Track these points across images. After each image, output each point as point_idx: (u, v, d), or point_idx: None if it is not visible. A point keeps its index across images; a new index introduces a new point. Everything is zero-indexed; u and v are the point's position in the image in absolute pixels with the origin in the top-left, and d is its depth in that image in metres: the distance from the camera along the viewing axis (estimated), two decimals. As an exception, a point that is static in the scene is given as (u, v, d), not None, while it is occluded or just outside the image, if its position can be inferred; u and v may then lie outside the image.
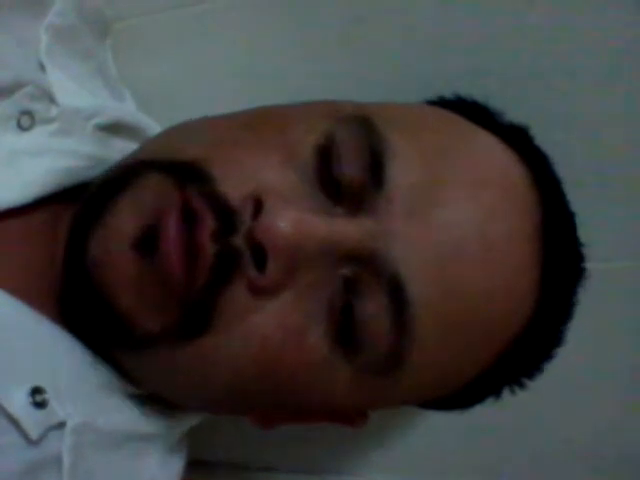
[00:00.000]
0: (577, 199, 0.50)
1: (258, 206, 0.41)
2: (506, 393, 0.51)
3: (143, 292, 0.42)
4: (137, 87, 0.61)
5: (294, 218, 0.41)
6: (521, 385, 0.51)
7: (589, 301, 0.51)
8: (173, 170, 0.44)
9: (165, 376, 0.46)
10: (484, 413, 0.57)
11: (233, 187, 0.42)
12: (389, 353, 0.43)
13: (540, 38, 0.56)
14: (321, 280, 0.43)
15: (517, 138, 0.49)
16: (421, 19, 0.57)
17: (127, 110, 0.58)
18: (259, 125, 0.46)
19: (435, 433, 0.65)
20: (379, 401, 0.48)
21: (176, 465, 0.53)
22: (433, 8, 0.57)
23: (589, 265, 0.51)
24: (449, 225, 0.43)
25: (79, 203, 0.47)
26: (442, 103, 0.52)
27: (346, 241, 0.42)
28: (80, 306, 0.46)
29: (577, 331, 0.51)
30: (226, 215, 0.42)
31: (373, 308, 0.42)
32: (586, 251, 0.51)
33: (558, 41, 0.55)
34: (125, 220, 0.43)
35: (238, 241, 0.41)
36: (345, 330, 0.43)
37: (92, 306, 0.44)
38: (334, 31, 0.60)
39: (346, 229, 0.42)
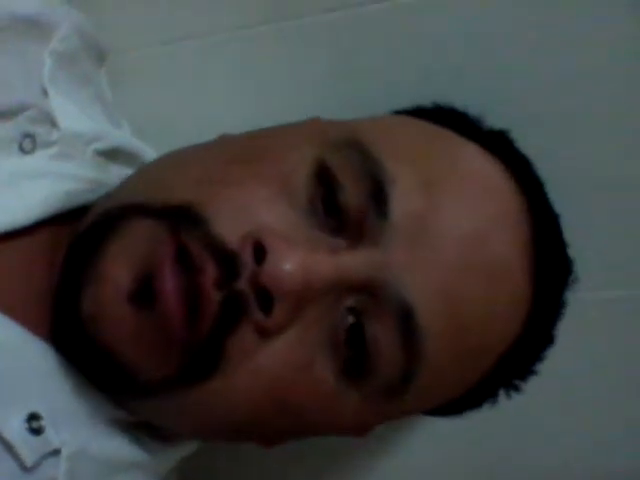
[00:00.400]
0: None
1: (259, 248, 0.41)
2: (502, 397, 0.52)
3: (143, 344, 0.41)
4: (132, 118, 0.61)
5: (300, 261, 0.40)
6: (516, 388, 0.52)
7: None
8: (165, 215, 0.42)
9: (172, 418, 0.46)
10: (479, 420, 0.58)
11: (228, 228, 0.42)
12: (398, 379, 0.43)
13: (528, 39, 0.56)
14: (325, 312, 0.43)
15: (499, 144, 0.50)
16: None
17: (125, 136, 0.58)
18: (248, 157, 0.45)
19: (433, 442, 0.65)
20: (384, 419, 0.49)
21: None
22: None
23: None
24: (447, 251, 0.43)
25: (71, 238, 0.46)
26: (421, 113, 0.52)
27: (352, 274, 0.42)
28: (76, 352, 0.45)
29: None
30: (226, 259, 0.41)
31: (383, 335, 0.42)
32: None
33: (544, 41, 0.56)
34: (118, 270, 0.42)
35: (242, 285, 0.41)
36: (351, 360, 0.43)
37: (90, 356, 0.43)
38: (325, 63, 0.61)
39: (352, 263, 0.42)
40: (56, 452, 0.43)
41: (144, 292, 0.41)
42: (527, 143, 0.52)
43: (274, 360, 0.42)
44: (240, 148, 0.47)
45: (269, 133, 0.48)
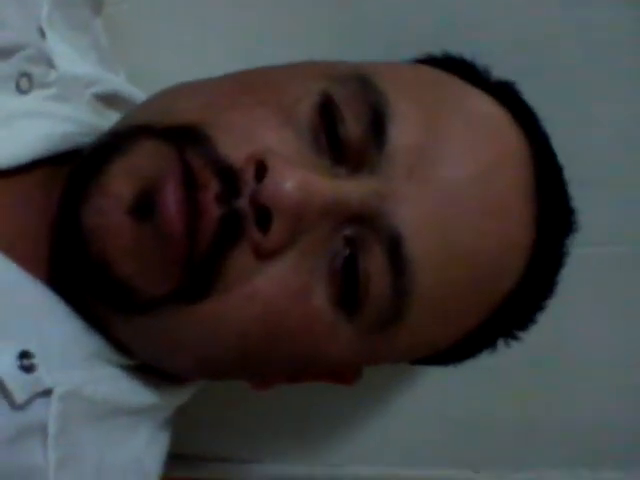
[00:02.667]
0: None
1: (261, 168, 0.41)
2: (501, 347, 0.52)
3: (143, 257, 0.42)
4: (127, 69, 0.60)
5: (300, 179, 0.41)
6: (515, 338, 0.52)
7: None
8: (170, 135, 0.43)
9: (165, 342, 0.45)
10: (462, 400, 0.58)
11: (233, 149, 0.42)
12: (388, 310, 0.43)
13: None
14: (323, 240, 0.43)
15: (506, 94, 0.50)
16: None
17: (123, 83, 0.57)
18: (255, 86, 0.46)
19: (416, 422, 0.66)
20: (377, 357, 0.49)
21: (162, 444, 0.52)
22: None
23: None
24: (448, 184, 0.43)
25: (72, 166, 0.46)
26: (431, 61, 0.52)
27: (350, 201, 0.42)
28: (75, 272, 0.45)
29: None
30: (229, 178, 0.41)
31: (374, 266, 0.43)
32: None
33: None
34: (121, 185, 0.42)
35: (242, 204, 0.41)
36: (347, 290, 0.43)
37: (89, 272, 0.43)
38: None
39: (350, 189, 0.42)
40: (48, 393, 0.43)
41: (145, 205, 0.41)
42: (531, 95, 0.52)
43: (270, 283, 0.42)
44: (248, 78, 0.47)
45: (277, 67, 0.49)
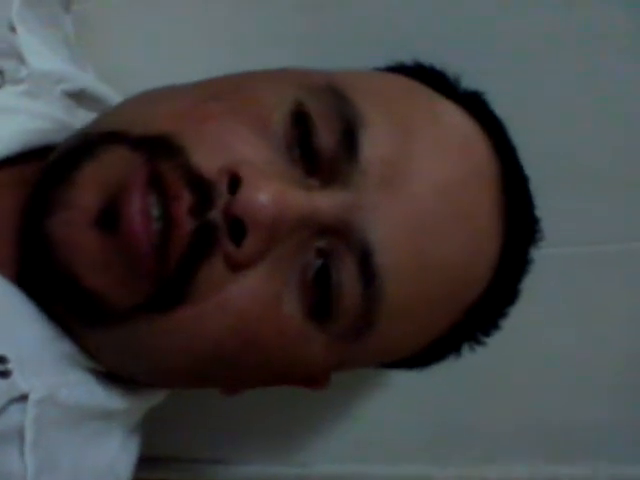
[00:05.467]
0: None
1: (235, 179, 0.41)
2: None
3: (111, 270, 0.41)
4: (102, 66, 0.59)
5: (274, 192, 0.40)
6: (479, 342, 0.53)
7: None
8: (142, 144, 0.42)
9: (134, 352, 0.44)
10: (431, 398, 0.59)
11: (206, 159, 0.41)
12: (359, 319, 0.44)
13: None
14: (295, 251, 0.43)
15: (475, 105, 0.50)
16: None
17: (93, 81, 0.56)
18: (228, 95, 0.45)
19: (385, 420, 0.67)
20: (347, 364, 0.49)
21: (135, 447, 0.51)
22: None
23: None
24: (418, 196, 0.44)
25: (42, 167, 0.45)
26: (402, 70, 0.52)
27: (323, 214, 0.42)
28: (42, 280, 0.44)
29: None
30: (202, 189, 0.40)
31: (346, 277, 0.43)
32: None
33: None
34: (87, 195, 0.41)
35: (215, 215, 0.40)
36: (319, 300, 0.43)
37: (55, 282, 0.42)
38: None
39: (323, 202, 0.42)
40: (23, 398, 0.42)
41: (110, 217, 0.40)
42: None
43: (242, 294, 0.42)
44: (221, 86, 0.47)
45: (250, 74, 0.48)
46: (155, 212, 0.40)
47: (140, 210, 0.40)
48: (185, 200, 0.40)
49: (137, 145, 0.42)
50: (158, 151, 0.42)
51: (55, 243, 0.41)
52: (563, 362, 0.62)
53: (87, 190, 0.41)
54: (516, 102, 0.54)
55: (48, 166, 0.44)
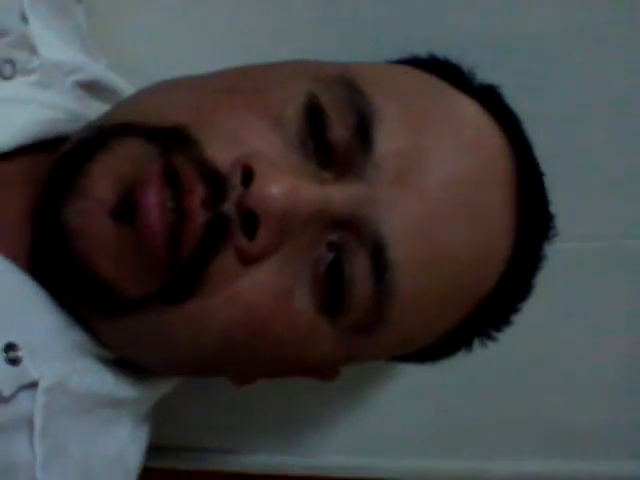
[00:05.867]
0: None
1: (248, 172, 0.41)
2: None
3: (126, 260, 0.41)
4: (114, 56, 0.59)
5: (287, 185, 0.41)
6: (491, 337, 0.53)
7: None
8: (156, 136, 0.42)
9: (146, 342, 0.45)
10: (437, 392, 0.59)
11: (220, 152, 0.41)
12: (371, 313, 0.44)
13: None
14: (307, 244, 0.43)
15: (490, 99, 0.50)
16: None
17: (105, 71, 0.56)
18: (243, 87, 0.45)
19: (392, 413, 0.67)
20: (357, 357, 0.49)
21: (145, 437, 0.51)
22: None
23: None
24: (432, 190, 0.43)
25: (55, 158, 0.45)
26: (417, 63, 0.52)
27: (336, 207, 0.42)
28: (56, 268, 0.44)
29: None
30: (215, 182, 0.41)
31: (357, 271, 0.43)
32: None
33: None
34: (103, 186, 0.41)
35: (228, 208, 0.41)
36: (331, 294, 0.43)
37: (70, 271, 0.43)
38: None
39: (336, 195, 0.42)
40: (33, 385, 0.42)
41: (127, 208, 0.40)
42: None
43: (254, 287, 0.42)
44: (235, 78, 0.47)
45: (264, 67, 0.48)
46: (170, 204, 0.40)
47: (157, 203, 0.40)
48: (198, 193, 0.40)
49: (151, 136, 0.42)
50: (172, 143, 0.42)
51: (71, 232, 0.42)
52: (571, 358, 0.62)
53: (102, 181, 0.41)
54: (532, 97, 0.54)
55: (62, 157, 0.45)
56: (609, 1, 0.55)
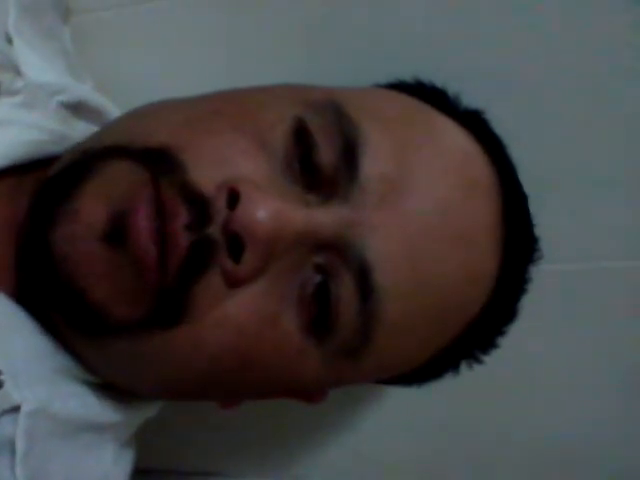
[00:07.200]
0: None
1: (234, 195, 0.41)
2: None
3: (116, 283, 0.41)
4: (101, 78, 0.59)
5: (273, 208, 0.41)
6: (477, 360, 0.53)
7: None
8: (143, 157, 0.42)
9: (132, 366, 0.44)
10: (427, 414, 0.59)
11: (205, 175, 0.41)
12: (357, 335, 0.44)
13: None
14: (293, 267, 0.43)
15: (475, 123, 0.50)
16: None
17: (90, 92, 0.56)
18: (229, 110, 0.45)
19: (379, 435, 0.66)
20: (344, 380, 0.49)
21: (128, 461, 0.51)
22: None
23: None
24: (417, 214, 0.44)
25: (42, 179, 0.45)
26: (403, 87, 0.52)
27: (321, 230, 0.42)
28: (42, 291, 0.44)
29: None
30: (199, 206, 0.41)
31: (344, 292, 0.43)
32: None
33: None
34: (93, 210, 0.41)
35: (213, 230, 0.41)
36: (318, 316, 0.43)
37: (58, 295, 0.42)
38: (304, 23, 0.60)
39: (322, 218, 0.42)
40: (16, 409, 0.42)
41: (117, 231, 0.40)
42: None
43: (240, 310, 0.42)
44: (222, 101, 0.47)
45: (251, 90, 0.48)
46: (157, 227, 0.40)
47: (147, 225, 0.40)
48: (182, 216, 0.40)
49: (139, 159, 0.42)
50: (158, 165, 0.42)
51: (60, 256, 0.41)
52: (562, 378, 0.61)
53: (92, 205, 0.41)
54: (516, 121, 0.54)
55: (49, 179, 0.45)
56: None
